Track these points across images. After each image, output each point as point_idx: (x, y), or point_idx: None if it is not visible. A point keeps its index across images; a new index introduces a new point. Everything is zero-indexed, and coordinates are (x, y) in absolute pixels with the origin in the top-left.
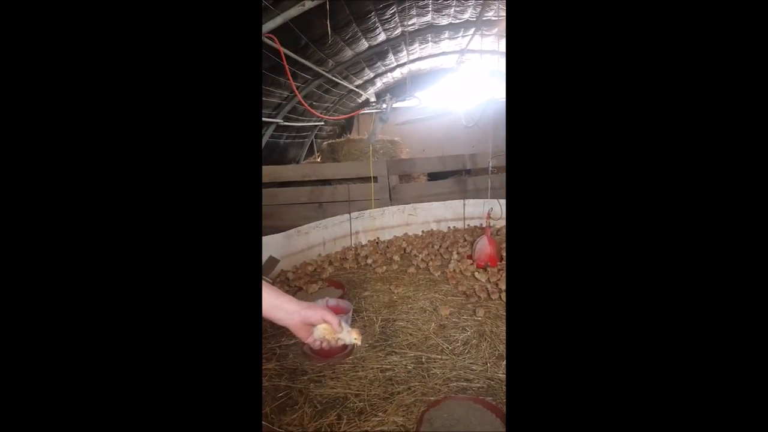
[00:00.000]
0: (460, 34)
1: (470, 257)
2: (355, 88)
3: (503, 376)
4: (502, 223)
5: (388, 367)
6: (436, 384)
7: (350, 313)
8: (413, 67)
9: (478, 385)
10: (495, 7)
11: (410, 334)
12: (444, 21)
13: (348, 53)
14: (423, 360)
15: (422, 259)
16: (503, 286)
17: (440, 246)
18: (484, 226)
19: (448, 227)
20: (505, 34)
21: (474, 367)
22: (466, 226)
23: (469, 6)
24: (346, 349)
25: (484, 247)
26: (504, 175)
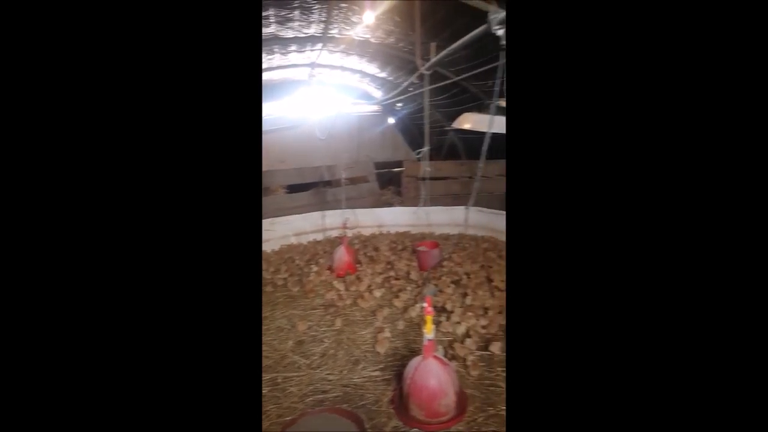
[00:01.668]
0: (308, 48)
1: (330, 268)
2: None
3: (359, 381)
4: (361, 231)
5: None
6: (292, 403)
7: None
8: (264, 76)
9: (335, 394)
10: (338, 26)
11: (266, 356)
12: (289, 33)
13: None
14: (279, 381)
15: (280, 276)
16: (360, 292)
17: (300, 260)
18: (341, 236)
19: (308, 240)
20: (350, 52)
21: (330, 378)
22: (326, 238)
23: (312, 21)
24: None
25: (342, 256)
26: (359, 186)
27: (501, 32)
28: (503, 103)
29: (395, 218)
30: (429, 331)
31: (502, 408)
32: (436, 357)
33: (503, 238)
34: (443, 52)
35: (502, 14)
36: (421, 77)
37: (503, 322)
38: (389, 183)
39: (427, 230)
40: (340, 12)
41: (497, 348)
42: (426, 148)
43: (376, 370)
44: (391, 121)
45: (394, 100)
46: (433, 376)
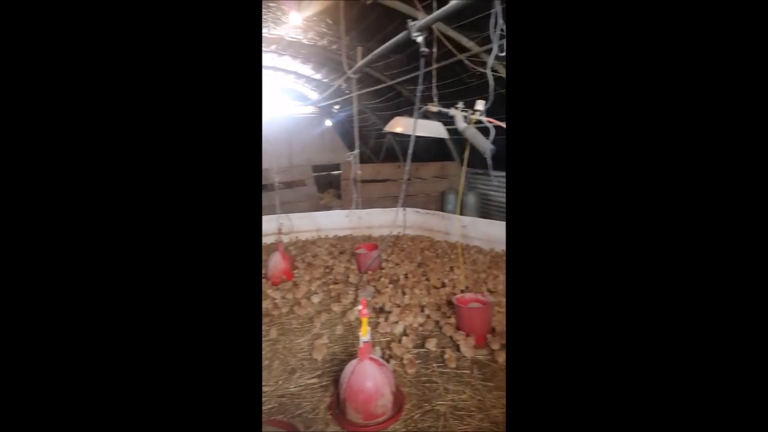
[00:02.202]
0: None
1: (264, 276)
2: None
3: (295, 390)
4: (299, 236)
5: None
6: None
7: None
8: None
9: (270, 406)
10: (267, 26)
11: None
12: None
13: None
14: None
15: None
16: (297, 299)
17: None
18: (276, 242)
19: None
20: (282, 53)
21: (265, 389)
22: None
23: None
24: None
25: (277, 263)
26: (296, 189)
27: (420, 39)
28: (433, 108)
29: (334, 222)
30: (364, 334)
31: (438, 403)
32: (372, 358)
33: (438, 237)
34: (368, 57)
35: (422, 21)
36: (348, 81)
37: (439, 318)
38: (329, 186)
39: (367, 232)
40: (269, 11)
41: (432, 344)
42: (356, 151)
43: (313, 378)
44: (329, 123)
45: (330, 102)
46: (369, 378)
